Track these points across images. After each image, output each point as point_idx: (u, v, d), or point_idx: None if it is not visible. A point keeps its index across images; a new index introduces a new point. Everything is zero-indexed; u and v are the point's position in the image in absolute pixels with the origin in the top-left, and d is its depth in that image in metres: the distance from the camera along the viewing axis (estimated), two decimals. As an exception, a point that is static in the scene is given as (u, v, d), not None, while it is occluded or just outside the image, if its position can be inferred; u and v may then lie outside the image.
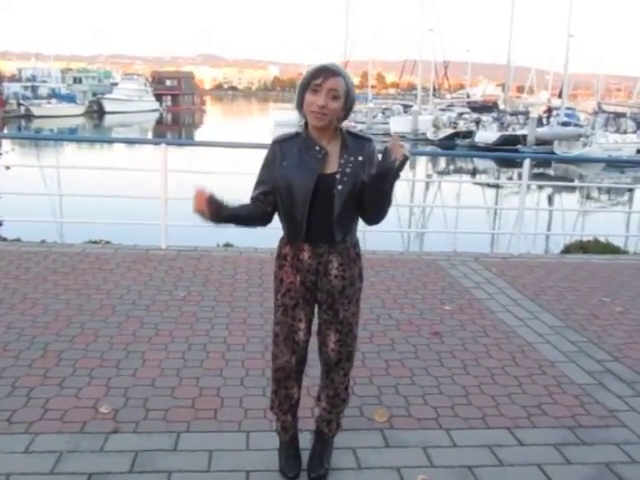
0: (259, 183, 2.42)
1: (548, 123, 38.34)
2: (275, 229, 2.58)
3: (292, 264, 2.40)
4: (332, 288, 2.40)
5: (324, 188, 2.29)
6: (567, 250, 8.37)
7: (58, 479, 2.49)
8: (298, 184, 2.29)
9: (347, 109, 2.31)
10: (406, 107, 49.11)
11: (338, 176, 2.28)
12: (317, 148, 2.31)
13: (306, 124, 2.34)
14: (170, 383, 3.32)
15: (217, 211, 2.37)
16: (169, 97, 78.27)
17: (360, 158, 2.32)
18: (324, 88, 2.20)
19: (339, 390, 2.58)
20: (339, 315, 2.44)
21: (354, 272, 2.44)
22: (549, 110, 42.40)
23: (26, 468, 2.54)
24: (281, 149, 2.36)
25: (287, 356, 2.50)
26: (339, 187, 2.28)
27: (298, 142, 2.35)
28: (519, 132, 36.46)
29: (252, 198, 2.44)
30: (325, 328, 2.48)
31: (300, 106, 2.31)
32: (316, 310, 2.51)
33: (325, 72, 2.22)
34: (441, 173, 30.12)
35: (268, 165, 2.39)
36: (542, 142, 34.64)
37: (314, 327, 2.53)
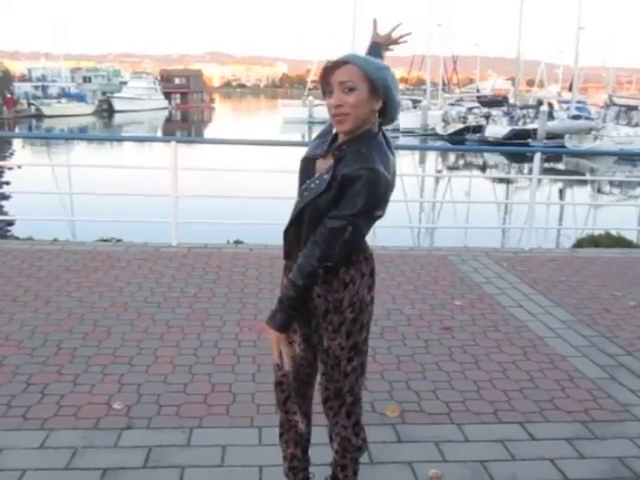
0: None
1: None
2: (282, 226, 2.26)
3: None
4: (315, 308, 2.03)
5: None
6: (578, 244, 8.32)
7: (73, 474, 2.51)
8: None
9: (382, 100, 1.88)
10: (415, 102, 48.96)
11: (303, 186, 1.96)
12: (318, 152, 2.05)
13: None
14: (182, 379, 3.34)
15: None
16: (178, 95, 78.52)
17: (326, 176, 1.88)
18: (334, 84, 1.86)
19: (347, 434, 2.14)
20: (323, 342, 2.05)
21: (341, 297, 1.98)
22: (550, 105, 42.01)
23: (41, 463, 2.57)
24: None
25: (284, 369, 2.14)
26: (297, 199, 2.00)
27: None
28: (529, 126, 36.23)
29: None
30: (318, 356, 2.13)
31: None
32: None
33: (329, 68, 1.87)
34: (451, 168, 29.99)
35: None
36: (553, 136, 34.40)
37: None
